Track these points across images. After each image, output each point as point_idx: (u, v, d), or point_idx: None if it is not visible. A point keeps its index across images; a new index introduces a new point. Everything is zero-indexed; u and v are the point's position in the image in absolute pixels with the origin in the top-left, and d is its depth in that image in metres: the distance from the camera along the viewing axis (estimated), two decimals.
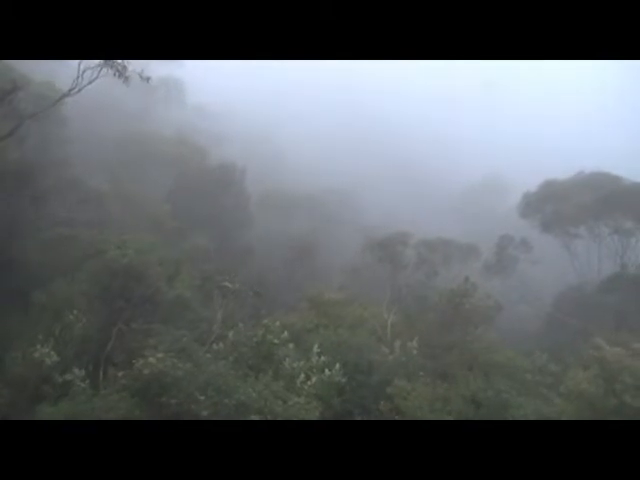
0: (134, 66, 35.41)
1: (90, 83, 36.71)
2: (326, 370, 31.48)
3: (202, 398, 25.82)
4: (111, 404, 25.98)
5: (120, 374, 27.86)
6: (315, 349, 33.29)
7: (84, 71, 36.00)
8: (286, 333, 34.07)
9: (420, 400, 29.73)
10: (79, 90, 37.34)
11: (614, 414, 30.92)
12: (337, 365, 31.92)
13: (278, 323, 34.77)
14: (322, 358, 32.58)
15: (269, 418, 26.56)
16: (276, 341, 33.36)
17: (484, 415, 30.26)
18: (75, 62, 35.35)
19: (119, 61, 34.74)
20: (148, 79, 37.59)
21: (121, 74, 35.32)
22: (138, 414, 25.99)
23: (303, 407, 28.02)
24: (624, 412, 30.52)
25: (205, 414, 25.45)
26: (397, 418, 29.65)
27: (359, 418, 31.38)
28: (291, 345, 33.63)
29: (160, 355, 27.14)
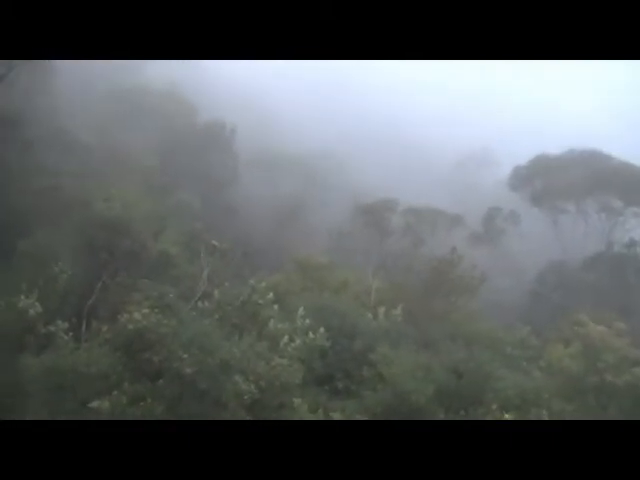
0: None
1: None
2: (310, 333, 31.28)
3: (185, 356, 25.70)
4: (93, 358, 25.85)
5: (104, 328, 27.68)
6: (300, 312, 33.11)
7: None
8: (271, 294, 33.68)
9: (402, 368, 29.74)
10: None
11: (594, 391, 31.27)
12: (321, 329, 31.73)
13: (264, 284, 34.46)
14: (306, 321, 32.32)
15: (251, 378, 26.56)
16: (261, 301, 33.08)
17: (465, 385, 30.40)
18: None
19: None
20: None
21: None
22: (120, 369, 25.91)
23: (286, 369, 27.99)
24: (604, 390, 30.87)
25: (189, 371, 25.38)
26: (379, 385, 29.76)
27: (341, 383, 31.53)
28: (276, 306, 33.36)
29: (145, 311, 26.99)
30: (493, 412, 28.19)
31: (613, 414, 29.13)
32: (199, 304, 32.46)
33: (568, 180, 60.71)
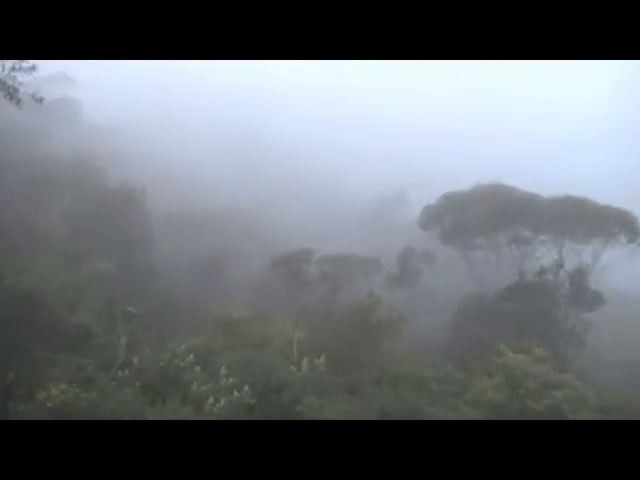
0: (26, 87, 34.16)
1: None
2: (235, 391, 31.09)
3: None
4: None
5: (21, 408, 26.88)
6: (223, 371, 32.90)
7: None
8: (192, 356, 33.53)
9: (330, 416, 29.69)
10: None
11: (518, 418, 31.87)
12: (246, 386, 31.60)
13: (184, 346, 34.26)
14: (230, 379, 32.14)
15: None
16: (182, 364, 32.84)
17: None
18: None
19: (10, 82, 33.47)
20: (41, 100, 36.30)
21: (12, 96, 33.99)
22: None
23: None
24: (527, 416, 31.51)
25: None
26: None
27: None
28: (198, 368, 33.12)
29: (63, 386, 26.37)
30: None
31: None
32: (119, 373, 31.92)
33: (476, 215, 62.20)
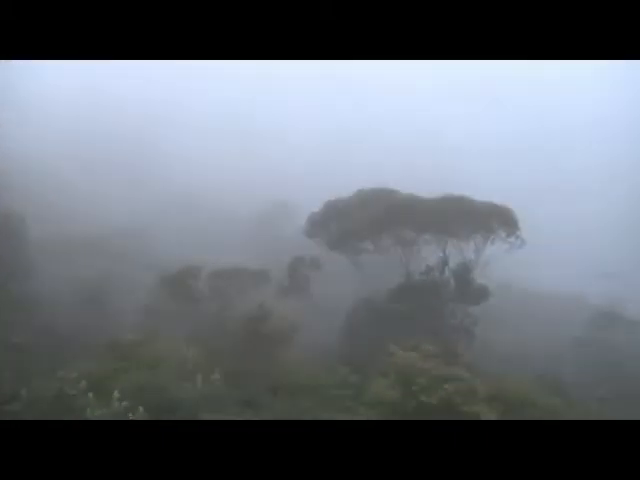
0: None
1: None
2: (130, 414, 30.51)
3: None
4: None
5: None
6: (115, 395, 32.21)
7: None
8: (84, 382, 32.73)
9: None
10: None
11: (413, 414, 32.62)
12: (140, 408, 31.06)
13: (75, 374, 33.38)
14: (124, 403, 31.54)
15: None
16: (74, 392, 32.01)
17: None
18: None
19: None
20: None
21: None
22: None
23: None
24: (422, 410, 32.30)
25: None
26: None
27: None
28: (90, 394, 32.30)
29: None
30: None
31: None
32: (7, 408, 30.79)
33: (360, 220, 63.09)
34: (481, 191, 64.47)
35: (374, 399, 35.65)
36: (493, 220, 63.42)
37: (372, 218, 62.38)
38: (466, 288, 61.97)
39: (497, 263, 64.03)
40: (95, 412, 30.53)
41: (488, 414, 32.81)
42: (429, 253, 65.12)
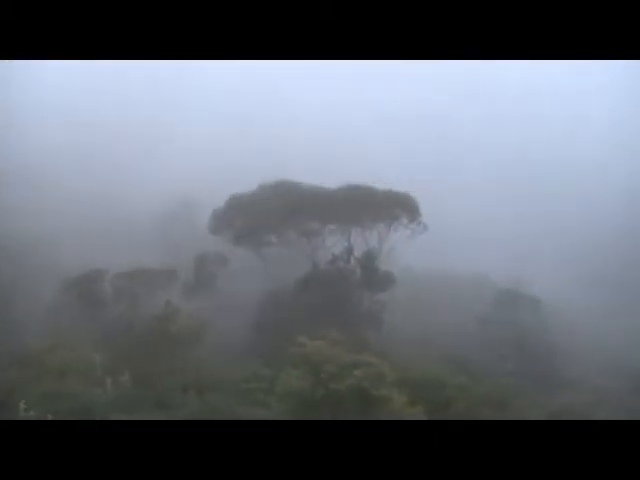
0: None
1: None
2: None
3: None
4: None
5: None
6: (22, 405, 31.56)
7: None
8: None
9: None
10: None
11: (325, 403, 33.06)
12: (49, 416, 30.51)
13: None
14: (31, 413, 30.94)
15: None
16: None
17: None
18: None
19: None
20: None
21: None
22: None
23: None
24: (331, 398, 32.76)
25: None
26: None
27: None
28: None
29: None
30: None
31: (342, 417, 30.90)
32: None
33: (264, 213, 63.24)
34: (385, 179, 65.58)
35: (283, 390, 35.91)
36: (396, 208, 64.66)
37: (276, 211, 62.65)
38: (372, 275, 63.11)
39: (400, 249, 65.39)
40: None
41: (398, 397, 33.52)
42: (334, 243, 65.88)
